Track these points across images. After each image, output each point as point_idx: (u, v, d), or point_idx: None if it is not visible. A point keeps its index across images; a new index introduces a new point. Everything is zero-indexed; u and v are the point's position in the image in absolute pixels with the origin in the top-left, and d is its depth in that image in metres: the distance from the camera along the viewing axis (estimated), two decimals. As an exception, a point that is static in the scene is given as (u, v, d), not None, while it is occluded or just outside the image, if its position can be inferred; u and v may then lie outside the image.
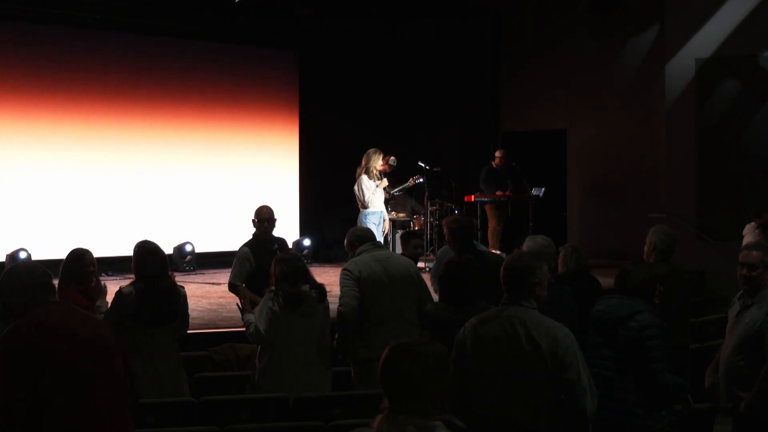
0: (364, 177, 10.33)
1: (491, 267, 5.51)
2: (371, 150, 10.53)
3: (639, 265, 5.14)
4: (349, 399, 5.23)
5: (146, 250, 5.49)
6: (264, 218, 7.16)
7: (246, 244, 7.16)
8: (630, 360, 4.56)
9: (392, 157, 12.05)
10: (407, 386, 2.80)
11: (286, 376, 5.42)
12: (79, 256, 5.93)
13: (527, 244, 5.72)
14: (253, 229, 7.33)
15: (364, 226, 10.15)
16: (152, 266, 5.41)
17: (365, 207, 10.30)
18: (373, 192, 10.29)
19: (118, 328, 5.22)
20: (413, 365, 2.81)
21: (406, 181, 12.22)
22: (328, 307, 5.73)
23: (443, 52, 14.52)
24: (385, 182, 10.63)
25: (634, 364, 4.55)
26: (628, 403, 4.56)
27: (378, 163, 10.44)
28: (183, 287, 5.64)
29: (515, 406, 3.88)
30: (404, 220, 12.46)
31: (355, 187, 10.42)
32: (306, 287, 5.57)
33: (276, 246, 7.04)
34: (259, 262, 6.76)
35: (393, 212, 12.27)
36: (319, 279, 5.94)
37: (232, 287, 6.99)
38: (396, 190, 12.15)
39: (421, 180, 12.15)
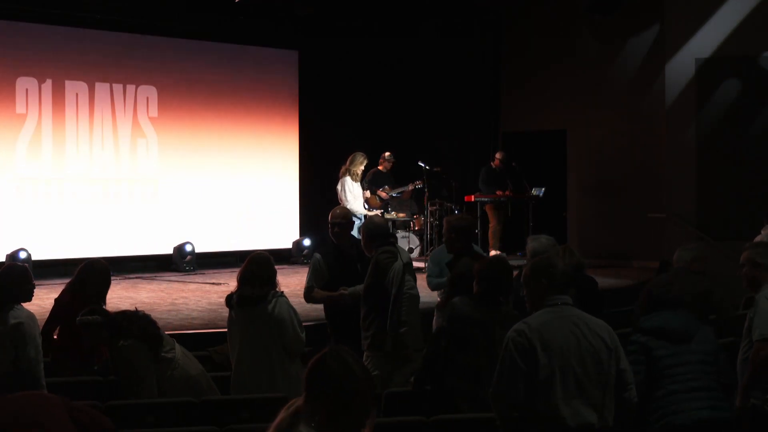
0: (348, 179, 10.42)
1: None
2: (358, 153, 10.61)
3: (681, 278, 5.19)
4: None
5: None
6: (332, 222, 6.67)
7: (318, 250, 6.83)
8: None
9: (387, 153, 12.06)
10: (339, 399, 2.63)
11: (234, 379, 5.58)
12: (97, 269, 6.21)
13: (531, 244, 5.72)
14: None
15: None
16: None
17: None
18: (355, 196, 10.37)
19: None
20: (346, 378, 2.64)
21: (406, 183, 12.24)
22: (264, 312, 5.48)
23: (443, 53, 14.51)
24: (366, 193, 10.69)
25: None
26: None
27: (360, 168, 10.52)
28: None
29: (588, 406, 3.92)
30: (404, 220, 12.47)
31: (338, 187, 10.50)
32: (235, 294, 5.57)
33: (355, 251, 6.51)
34: (334, 273, 6.47)
35: (393, 212, 12.28)
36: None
37: (307, 295, 6.51)
38: (395, 191, 12.14)
39: (420, 186, 12.17)
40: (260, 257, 5.69)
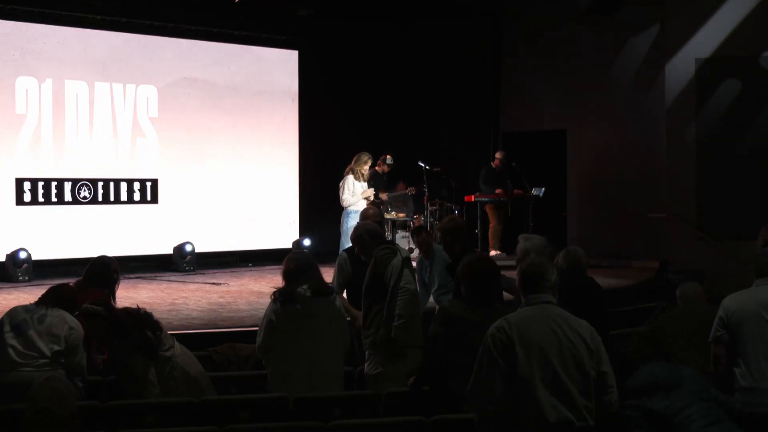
0: (350, 177, 10.43)
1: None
2: (363, 153, 10.61)
3: None
4: (349, 399, 5.23)
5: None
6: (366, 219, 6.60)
7: (345, 249, 6.84)
8: None
9: (388, 156, 12.05)
10: None
11: (289, 380, 5.36)
12: (107, 264, 6.23)
13: (523, 243, 5.70)
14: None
15: (346, 224, 10.22)
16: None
17: (345, 206, 10.40)
18: (352, 194, 10.37)
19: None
20: None
21: (407, 183, 12.25)
22: (333, 305, 5.55)
23: (443, 52, 14.52)
24: (369, 192, 10.68)
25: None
26: None
27: (364, 167, 10.54)
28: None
29: (567, 403, 3.94)
30: (404, 220, 12.47)
31: (341, 184, 10.53)
32: (304, 287, 5.43)
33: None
34: (356, 268, 6.50)
35: (393, 212, 12.28)
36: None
37: None
38: (391, 195, 12.13)
39: (414, 193, 12.15)
40: (302, 255, 5.77)
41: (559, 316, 4.07)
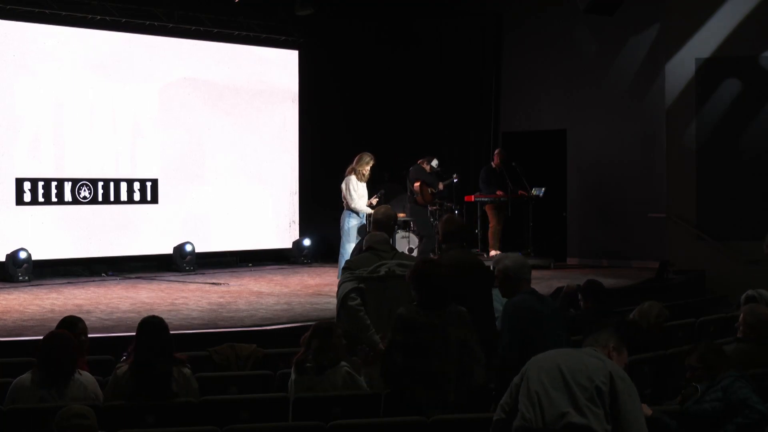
0: (353, 178, 10.42)
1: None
2: (366, 153, 10.60)
3: None
4: (349, 399, 5.23)
5: (148, 327, 5.13)
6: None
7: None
8: None
9: (435, 160, 12.18)
10: None
11: None
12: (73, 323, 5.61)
13: (503, 263, 5.24)
14: None
15: (347, 224, 10.22)
16: (149, 347, 5.07)
17: (349, 207, 10.40)
18: (359, 195, 10.38)
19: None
20: None
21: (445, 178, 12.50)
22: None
23: (443, 52, 14.53)
24: (374, 201, 10.70)
25: None
26: None
27: (366, 168, 10.54)
28: (188, 368, 5.17)
29: (572, 402, 3.86)
30: (404, 220, 12.46)
31: (343, 185, 10.53)
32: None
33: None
34: None
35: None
36: (318, 278, 5.92)
37: None
38: (442, 186, 12.30)
39: (457, 180, 12.45)
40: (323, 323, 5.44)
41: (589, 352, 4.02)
